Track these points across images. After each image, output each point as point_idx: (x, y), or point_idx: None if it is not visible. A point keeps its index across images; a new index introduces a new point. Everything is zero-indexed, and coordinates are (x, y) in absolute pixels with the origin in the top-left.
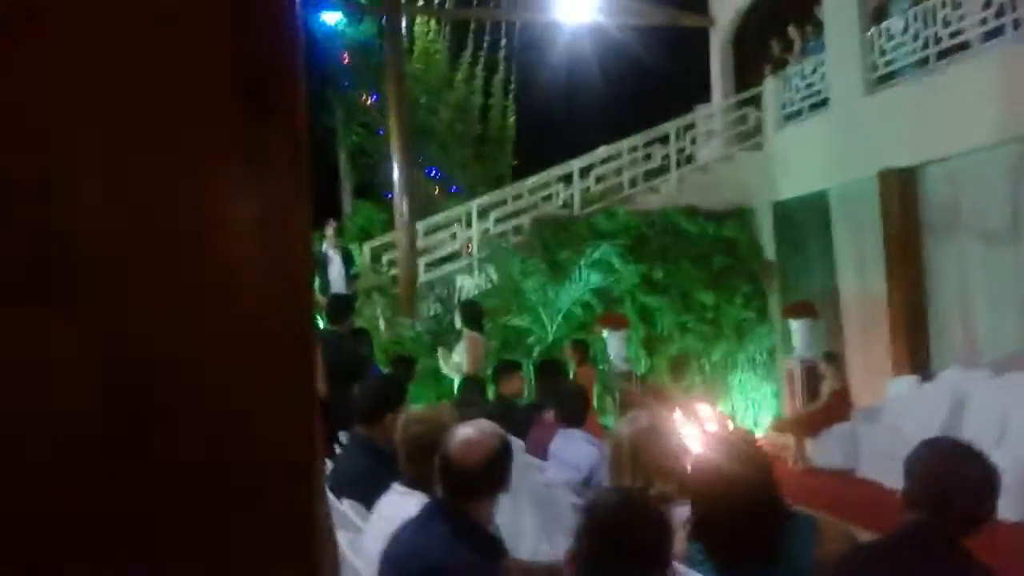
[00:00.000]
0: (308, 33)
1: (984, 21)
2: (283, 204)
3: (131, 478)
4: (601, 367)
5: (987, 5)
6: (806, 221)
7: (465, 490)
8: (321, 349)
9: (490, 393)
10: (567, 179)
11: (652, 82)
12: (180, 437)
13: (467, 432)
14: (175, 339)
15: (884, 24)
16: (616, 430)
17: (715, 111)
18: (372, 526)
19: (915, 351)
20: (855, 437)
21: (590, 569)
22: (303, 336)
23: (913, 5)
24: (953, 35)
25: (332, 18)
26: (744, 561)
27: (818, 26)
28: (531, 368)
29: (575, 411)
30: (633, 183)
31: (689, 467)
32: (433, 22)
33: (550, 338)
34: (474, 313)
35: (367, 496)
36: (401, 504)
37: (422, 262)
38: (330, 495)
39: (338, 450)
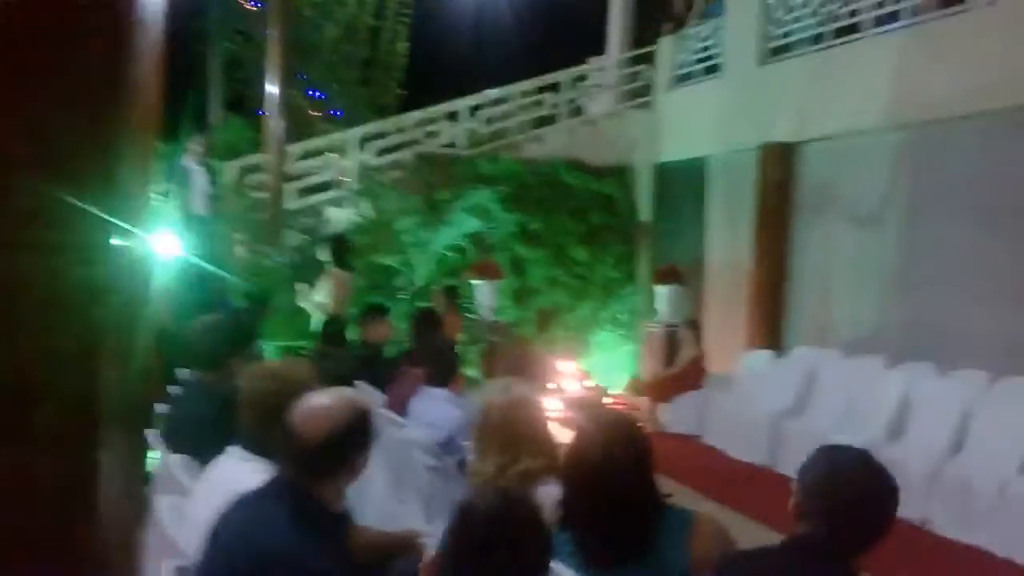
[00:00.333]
0: None
1: (881, 4)
2: None
3: None
4: (469, 316)
5: None
6: (684, 186)
7: (309, 467)
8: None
9: (352, 335)
10: (454, 117)
11: (551, 27)
12: None
13: (318, 402)
14: None
15: None
16: (487, 397)
17: (609, 65)
18: (201, 491)
19: (771, 326)
20: (705, 405)
21: (459, 571)
22: None
23: None
24: (852, 14)
25: None
26: (614, 558)
27: None
28: (399, 313)
29: (444, 370)
30: (520, 130)
31: (563, 444)
32: None
33: (420, 282)
34: (342, 249)
35: (202, 452)
36: (237, 471)
37: (292, 188)
38: (161, 446)
39: (175, 393)
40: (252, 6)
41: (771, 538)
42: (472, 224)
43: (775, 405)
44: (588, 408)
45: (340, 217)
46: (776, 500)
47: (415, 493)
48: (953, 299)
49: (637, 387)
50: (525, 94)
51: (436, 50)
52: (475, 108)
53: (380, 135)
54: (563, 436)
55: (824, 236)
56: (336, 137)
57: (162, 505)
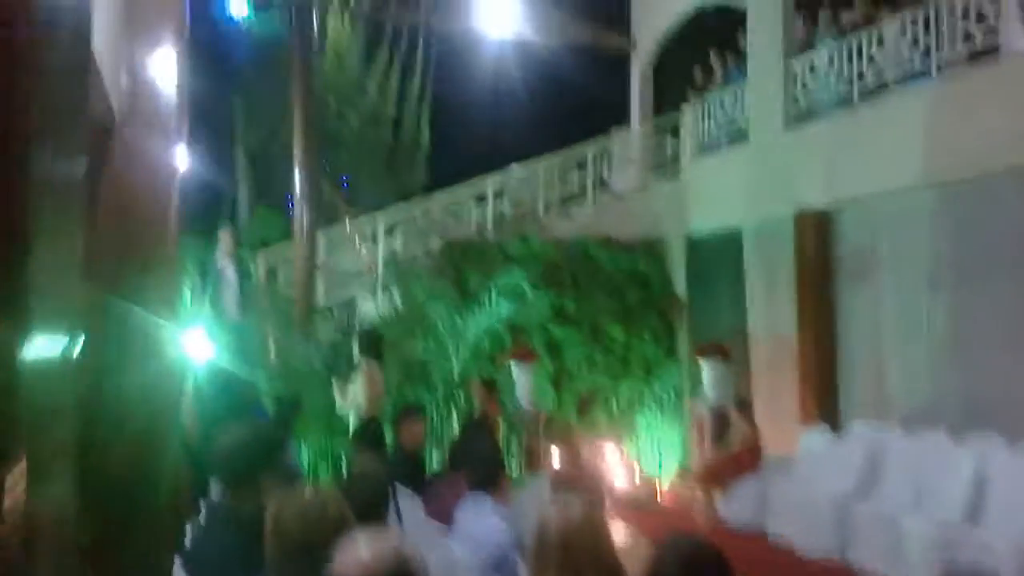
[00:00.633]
0: (209, 24)
1: (910, 61)
2: None
3: None
4: (508, 407)
5: (915, 44)
6: (719, 257)
7: None
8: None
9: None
10: (481, 198)
11: (571, 102)
12: None
13: (359, 554)
14: None
15: (808, 57)
16: (544, 514)
17: (632, 137)
18: None
19: (824, 400)
20: (765, 492)
21: None
22: None
23: (838, 38)
24: (877, 74)
25: (239, 9)
26: None
27: (741, 54)
28: (435, 405)
29: (490, 477)
30: (547, 208)
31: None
32: (347, 21)
33: (456, 371)
34: (372, 340)
35: None
36: None
37: (321, 278)
38: None
39: (200, 518)
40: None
41: None
42: (505, 308)
43: (839, 488)
44: (665, 533)
45: (371, 307)
46: None
47: None
48: (1013, 363)
49: (691, 478)
50: (548, 170)
51: (457, 131)
52: (500, 189)
53: (407, 220)
54: (630, 556)
55: (871, 302)
56: (363, 224)
57: None
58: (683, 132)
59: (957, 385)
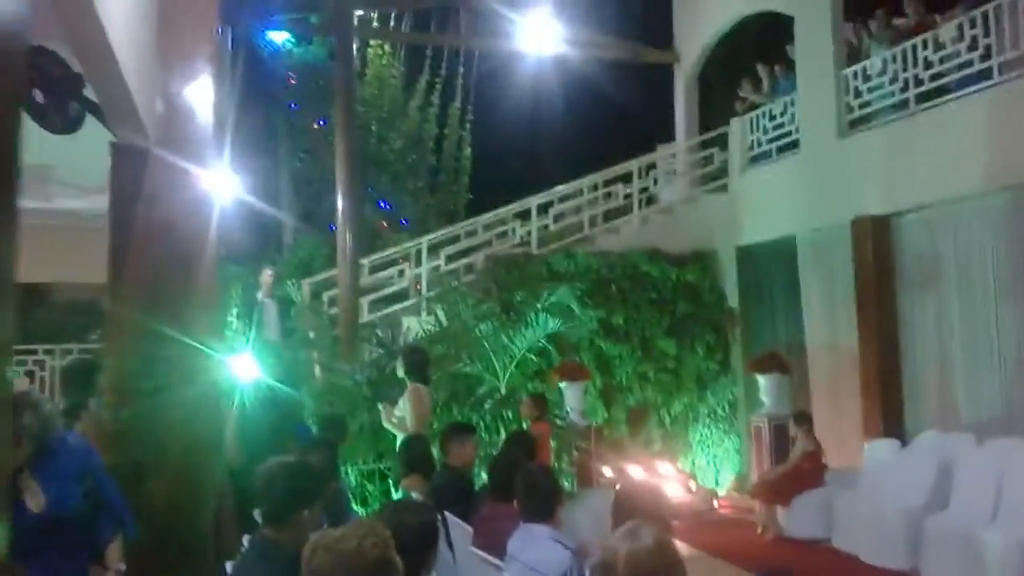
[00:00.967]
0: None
1: (970, 63)
2: None
3: None
4: (558, 423)
5: (973, 46)
6: (772, 268)
7: None
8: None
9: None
10: (524, 216)
11: (615, 118)
12: None
13: None
14: None
15: (860, 64)
16: (609, 543)
17: (679, 150)
18: None
19: (889, 411)
20: (830, 505)
21: None
22: None
23: (891, 46)
24: (934, 77)
25: (279, 37)
26: None
27: (788, 65)
28: (483, 422)
29: (545, 503)
30: (593, 223)
31: None
32: (387, 46)
33: (503, 388)
34: (418, 361)
35: None
36: None
37: (366, 302)
38: None
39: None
40: (318, 124)
41: None
42: (552, 324)
43: (910, 501)
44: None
45: (416, 326)
46: None
47: None
48: None
49: (749, 489)
50: (594, 187)
51: (500, 150)
52: (545, 206)
53: (450, 240)
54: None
55: (935, 310)
56: (407, 246)
57: None
58: (731, 143)
59: None
